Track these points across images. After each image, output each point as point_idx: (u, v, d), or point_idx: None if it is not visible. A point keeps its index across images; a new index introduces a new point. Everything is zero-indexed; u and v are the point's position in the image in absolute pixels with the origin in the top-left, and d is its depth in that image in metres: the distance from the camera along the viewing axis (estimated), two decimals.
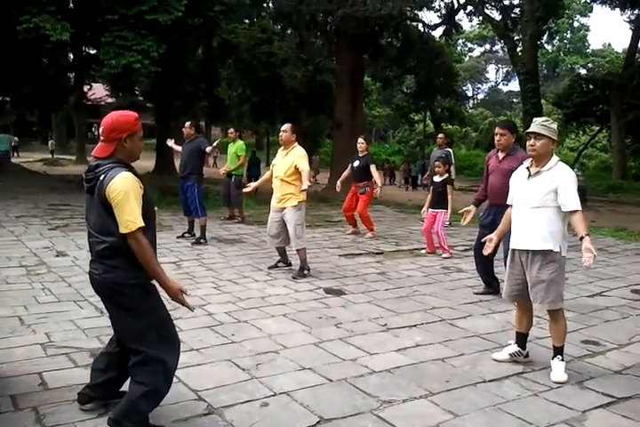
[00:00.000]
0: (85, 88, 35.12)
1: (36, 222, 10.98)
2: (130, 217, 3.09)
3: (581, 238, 4.10)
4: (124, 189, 3.09)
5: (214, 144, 10.17)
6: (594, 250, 4.02)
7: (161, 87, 22.80)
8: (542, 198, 4.27)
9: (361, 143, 10.57)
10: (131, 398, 3.24)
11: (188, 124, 9.73)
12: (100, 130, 3.28)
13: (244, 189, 8.23)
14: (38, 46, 15.44)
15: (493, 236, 4.76)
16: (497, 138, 6.33)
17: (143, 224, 3.12)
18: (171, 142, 10.31)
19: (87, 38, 17.89)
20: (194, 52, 24.31)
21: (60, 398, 3.74)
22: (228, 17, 19.76)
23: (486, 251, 4.80)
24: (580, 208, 4.22)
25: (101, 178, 3.15)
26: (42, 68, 21.25)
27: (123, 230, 3.09)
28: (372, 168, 10.40)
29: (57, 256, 8.08)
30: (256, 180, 11.73)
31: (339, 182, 10.88)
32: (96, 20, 15.75)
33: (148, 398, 3.26)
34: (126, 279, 3.20)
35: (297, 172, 7.21)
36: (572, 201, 4.22)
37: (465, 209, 6.37)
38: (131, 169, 3.24)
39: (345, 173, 10.89)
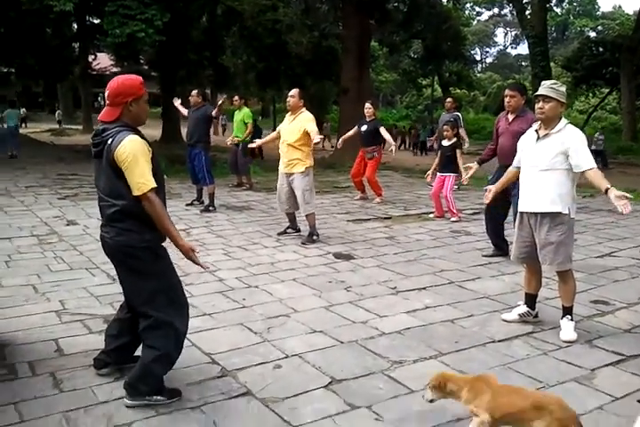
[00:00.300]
0: (90, 58, 34.88)
1: (46, 192, 11.04)
2: (141, 179, 3.09)
3: (607, 191, 4.00)
4: (132, 152, 3.09)
5: (219, 103, 10.06)
6: (627, 194, 3.94)
7: (165, 56, 22.61)
8: (551, 161, 4.24)
9: (368, 108, 10.50)
10: (144, 363, 3.30)
11: (195, 92, 9.68)
12: (106, 94, 3.26)
13: (250, 145, 8.45)
14: (42, 17, 15.37)
15: (492, 187, 4.79)
16: (507, 100, 6.30)
17: (155, 185, 3.13)
18: (177, 102, 10.25)
19: (91, 8, 17.74)
20: (198, 21, 24.01)
21: (76, 363, 3.81)
22: None
23: (485, 200, 4.86)
24: (594, 165, 4.18)
25: (109, 142, 3.15)
26: (45, 39, 21.11)
27: (135, 193, 3.10)
28: (382, 130, 10.36)
29: (67, 225, 8.14)
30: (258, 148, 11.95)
31: (341, 140, 10.92)
32: None
33: (161, 362, 3.32)
34: (138, 242, 3.22)
35: (304, 137, 7.17)
36: (585, 160, 4.18)
37: (468, 165, 6.37)
38: (138, 132, 3.24)
39: (350, 133, 10.86)
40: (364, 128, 10.47)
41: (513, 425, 2.88)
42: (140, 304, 3.34)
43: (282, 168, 7.43)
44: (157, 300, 3.30)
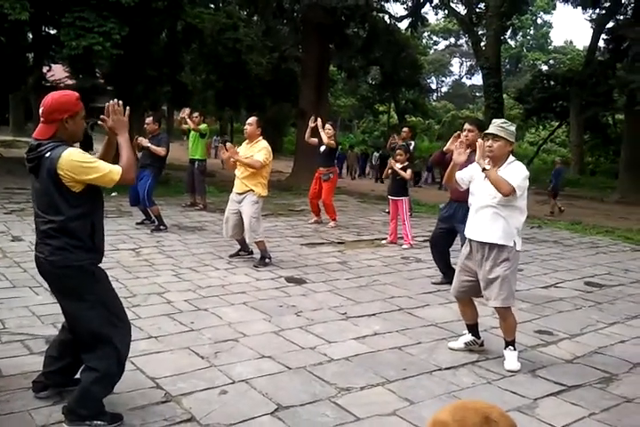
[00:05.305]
0: (45, 69, 34.32)
1: None
2: (106, 172, 3.12)
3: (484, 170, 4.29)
4: (78, 163, 3.07)
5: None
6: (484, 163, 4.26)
7: (123, 70, 22.32)
8: (497, 195, 4.30)
9: (328, 129, 10.61)
10: (84, 386, 3.22)
11: (149, 119, 9.53)
12: (40, 111, 3.18)
13: (227, 154, 7.17)
14: None
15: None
16: (464, 133, 6.37)
17: (119, 167, 3.16)
18: (145, 142, 9.26)
19: (47, 18, 17.47)
20: (157, 36, 23.87)
21: (15, 385, 3.70)
22: (193, 1, 19.50)
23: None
24: (513, 185, 4.19)
25: (47, 155, 3.09)
26: None
27: (111, 184, 3.18)
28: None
29: (12, 241, 7.92)
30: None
31: (309, 131, 10.93)
32: None
33: (101, 384, 3.24)
34: (73, 261, 3.16)
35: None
36: (513, 181, 4.21)
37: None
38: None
39: (308, 134, 10.97)
40: (322, 148, 10.61)
41: None
42: (79, 325, 3.27)
43: (235, 189, 7.36)
44: (96, 321, 3.22)
